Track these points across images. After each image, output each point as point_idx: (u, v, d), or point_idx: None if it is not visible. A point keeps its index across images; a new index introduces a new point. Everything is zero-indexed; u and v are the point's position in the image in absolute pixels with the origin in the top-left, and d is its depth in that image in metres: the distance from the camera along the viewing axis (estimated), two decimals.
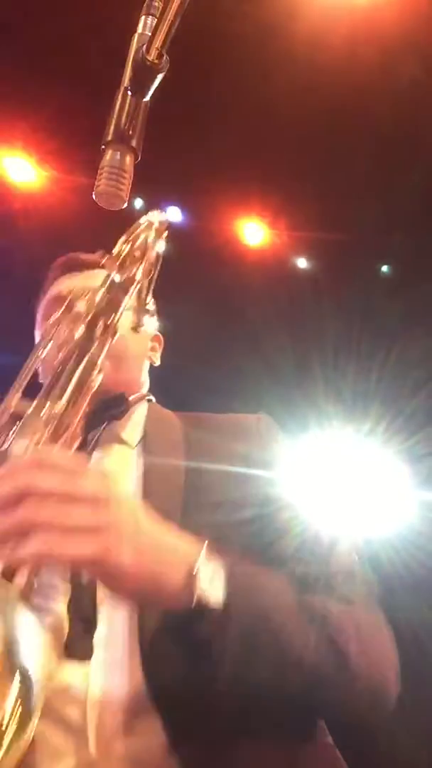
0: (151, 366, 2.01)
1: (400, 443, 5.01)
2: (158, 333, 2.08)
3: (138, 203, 4.87)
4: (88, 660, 1.27)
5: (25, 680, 0.97)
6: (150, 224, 1.39)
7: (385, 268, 4.98)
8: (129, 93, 1.14)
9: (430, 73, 3.99)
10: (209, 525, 1.44)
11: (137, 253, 1.38)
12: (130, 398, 1.80)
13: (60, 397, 1.24)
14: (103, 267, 1.41)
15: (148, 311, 1.58)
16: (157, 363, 2.03)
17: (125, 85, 1.14)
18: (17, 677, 0.96)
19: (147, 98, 1.14)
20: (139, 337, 1.81)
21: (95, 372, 1.27)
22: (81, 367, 1.27)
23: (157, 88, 1.14)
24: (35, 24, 4.04)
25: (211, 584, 1.13)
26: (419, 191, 4.39)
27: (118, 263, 1.36)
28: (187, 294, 4.89)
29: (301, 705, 1.24)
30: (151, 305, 1.83)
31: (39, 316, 1.93)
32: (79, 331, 1.31)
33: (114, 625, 1.31)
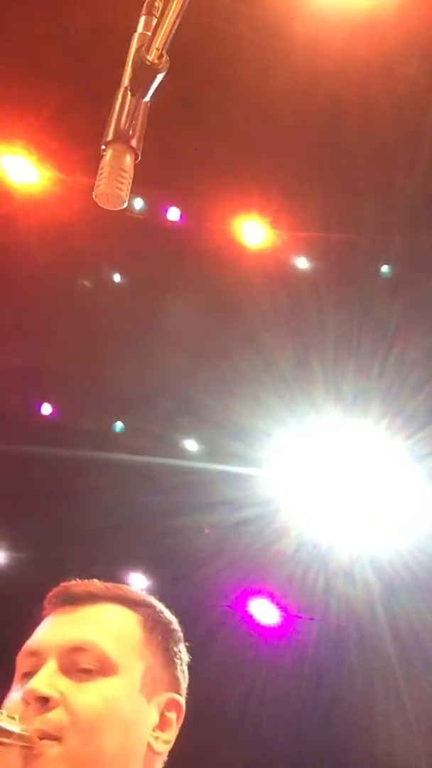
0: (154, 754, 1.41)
1: (400, 443, 5.01)
2: (174, 695, 1.47)
3: (138, 203, 4.87)
4: None
5: None
6: None
7: (385, 268, 4.98)
8: (129, 93, 1.14)
9: (430, 74, 3.99)
10: None
11: None
12: None
13: None
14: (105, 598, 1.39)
15: None
16: (163, 750, 1.42)
17: (125, 85, 1.14)
18: None
19: (147, 98, 1.14)
20: (136, 698, 1.39)
21: None
22: None
23: (157, 88, 1.14)
24: (35, 24, 4.04)
25: None
26: (419, 191, 4.39)
27: None
28: (187, 294, 4.89)
29: None
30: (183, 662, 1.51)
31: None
32: None
33: None
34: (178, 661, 1.48)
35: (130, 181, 1.11)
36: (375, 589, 5.31)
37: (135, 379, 5.22)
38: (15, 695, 1.36)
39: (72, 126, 4.21)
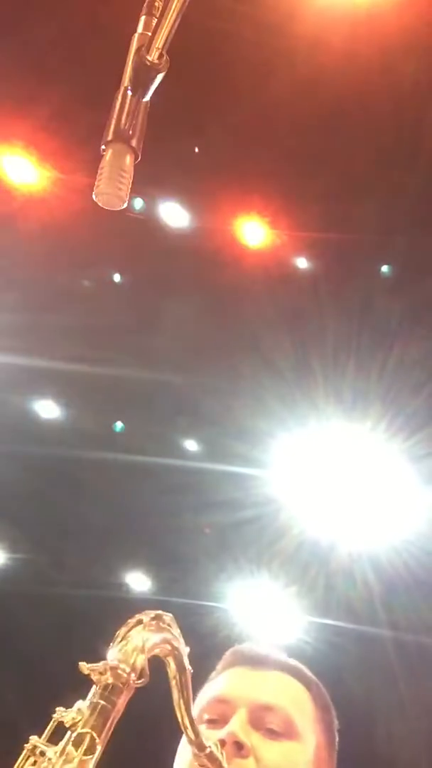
0: None
1: (400, 443, 5.02)
2: None
3: (138, 203, 4.87)
4: None
5: None
6: None
7: (385, 268, 4.98)
8: (129, 93, 1.14)
9: (430, 73, 3.99)
10: None
11: None
12: None
13: None
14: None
15: None
16: None
17: (125, 85, 1.14)
18: None
19: (147, 98, 1.14)
20: None
21: None
22: None
23: (157, 88, 1.14)
24: (35, 24, 4.04)
25: None
26: (419, 191, 4.39)
27: None
28: (188, 294, 4.89)
29: None
30: None
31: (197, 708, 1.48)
32: None
33: None
34: (336, 746, 1.53)
35: (130, 181, 1.11)
36: (375, 589, 5.31)
37: (135, 379, 5.22)
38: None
39: (72, 126, 4.21)
